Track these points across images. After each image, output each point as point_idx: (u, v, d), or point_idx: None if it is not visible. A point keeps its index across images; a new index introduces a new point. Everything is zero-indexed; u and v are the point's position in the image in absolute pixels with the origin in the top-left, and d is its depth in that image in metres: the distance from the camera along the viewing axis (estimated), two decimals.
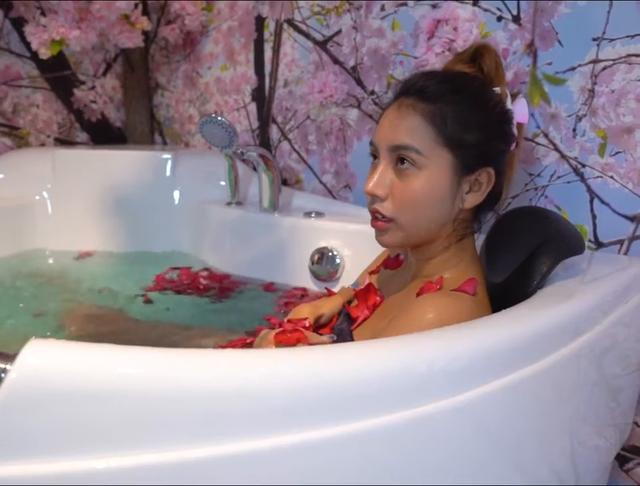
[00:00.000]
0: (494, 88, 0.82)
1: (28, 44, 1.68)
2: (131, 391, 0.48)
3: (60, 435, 0.47)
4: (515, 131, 0.82)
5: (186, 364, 0.50)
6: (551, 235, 0.83)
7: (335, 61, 1.45)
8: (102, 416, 0.47)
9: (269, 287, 1.36)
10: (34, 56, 1.72)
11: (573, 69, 1.06)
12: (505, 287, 0.84)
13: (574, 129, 1.07)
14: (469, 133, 0.76)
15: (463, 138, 0.76)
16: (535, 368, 0.68)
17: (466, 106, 0.77)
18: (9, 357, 0.46)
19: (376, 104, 1.39)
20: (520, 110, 0.83)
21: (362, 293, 0.87)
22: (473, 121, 0.77)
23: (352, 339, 0.83)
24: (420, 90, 0.78)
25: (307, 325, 0.85)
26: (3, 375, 0.45)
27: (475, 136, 0.76)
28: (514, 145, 0.82)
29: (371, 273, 0.96)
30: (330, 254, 1.30)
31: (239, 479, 0.52)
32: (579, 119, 1.06)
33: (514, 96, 0.83)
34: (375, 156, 0.81)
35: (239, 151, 1.36)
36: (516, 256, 0.84)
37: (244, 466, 0.52)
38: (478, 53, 0.85)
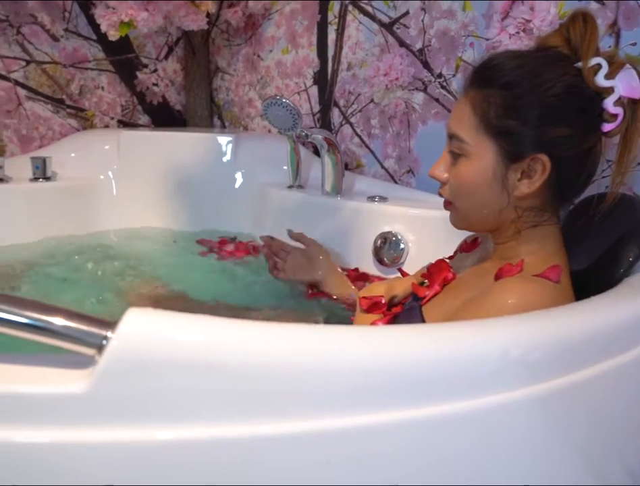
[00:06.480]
0: (575, 64, 0.74)
1: (94, 27, 1.71)
2: (227, 363, 0.48)
3: (157, 403, 0.47)
4: (610, 108, 0.74)
5: (287, 338, 0.49)
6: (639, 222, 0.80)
7: (402, 43, 1.42)
8: (198, 387, 0.48)
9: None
10: (100, 39, 1.76)
11: None
12: (586, 275, 0.81)
13: None
14: (512, 119, 0.73)
15: (505, 124, 0.73)
16: (616, 362, 0.65)
17: (514, 90, 0.73)
18: (110, 324, 0.46)
19: (443, 87, 1.36)
20: (624, 82, 0.73)
21: (434, 269, 0.86)
22: (519, 105, 0.73)
23: (421, 315, 0.82)
24: (477, 75, 0.77)
25: (383, 302, 0.87)
26: (104, 342, 0.46)
27: (519, 121, 0.73)
28: (607, 125, 0.74)
29: (448, 258, 0.94)
30: (394, 238, 1.28)
31: (319, 457, 0.52)
32: None
33: (617, 68, 0.74)
34: None
35: (303, 134, 1.35)
36: (598, 243, 0.81)
37: (325, 444, 0.52)
38: (569, 23, 0.78)
